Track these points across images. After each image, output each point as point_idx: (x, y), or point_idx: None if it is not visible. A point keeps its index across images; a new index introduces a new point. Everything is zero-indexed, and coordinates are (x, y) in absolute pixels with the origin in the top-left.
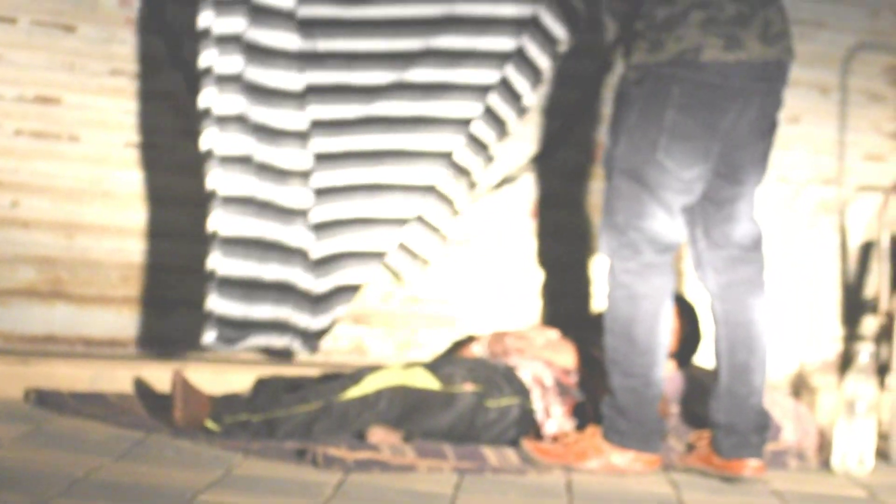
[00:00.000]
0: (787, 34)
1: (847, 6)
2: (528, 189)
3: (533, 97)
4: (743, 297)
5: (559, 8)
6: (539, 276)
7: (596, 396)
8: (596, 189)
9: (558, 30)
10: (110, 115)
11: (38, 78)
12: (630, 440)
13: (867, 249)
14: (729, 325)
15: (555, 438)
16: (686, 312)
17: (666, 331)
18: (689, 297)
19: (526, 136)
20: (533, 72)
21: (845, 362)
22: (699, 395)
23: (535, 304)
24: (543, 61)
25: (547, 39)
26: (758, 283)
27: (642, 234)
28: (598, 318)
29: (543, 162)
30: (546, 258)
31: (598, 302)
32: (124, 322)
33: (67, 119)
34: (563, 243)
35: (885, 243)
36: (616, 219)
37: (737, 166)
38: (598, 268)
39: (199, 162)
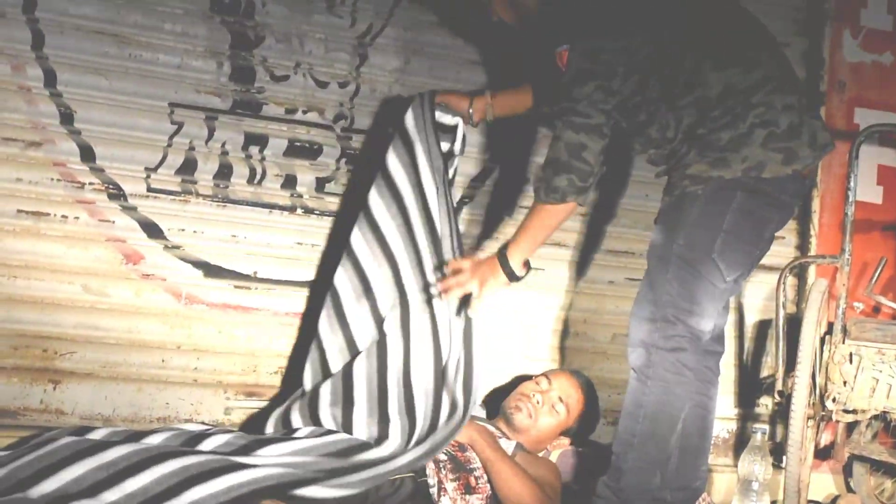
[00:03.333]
0: (825, 131)
1: None
2: None
3: None
4: (704, 385)
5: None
6: None
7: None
8: None
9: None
10: (1, 183)
11: None
12: None
13: (763, 328)
14: (689, 408)
15: None
16: (586, 390)
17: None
18: (586, 376)
19: None
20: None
21: (741, 441)
22: (596, 471)
23: None
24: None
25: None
26: (716, 373)
27: (689, 329)
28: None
29: None
30: None
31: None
32: (13, 392)
33: None
34: None
35: (781, 322)
36: (666, 311)
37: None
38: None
39: (90, 232)
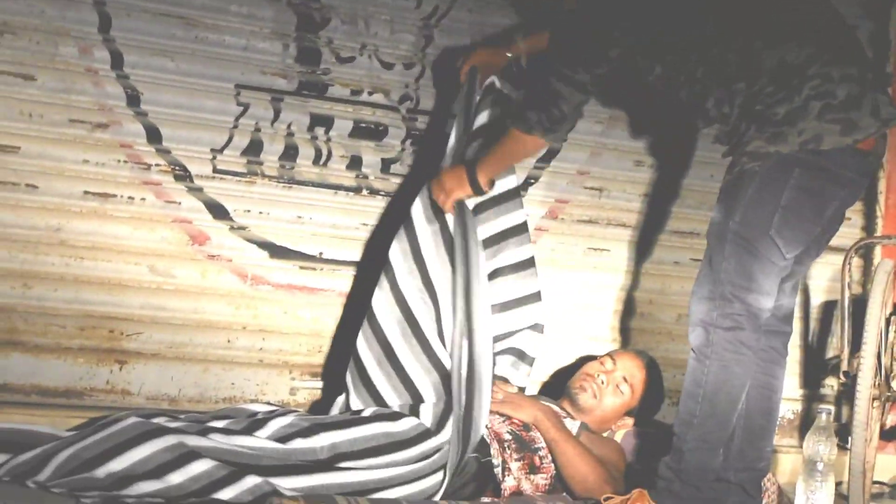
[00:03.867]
0: (891, 106)
1: None
2: None
3: None
4: (769, 365)
5: None
6: None
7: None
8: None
9: None
10: (68, 164)
11: None
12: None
13: (828, 309)
14: (752, 388)
15: (513, 493)
16: (651, 371)
17: (739, 411)
18: (651, 356)
19: None
20: None
21: (805, 422)
22: (658, 451)
23: None
24: None
25: None
26: (783, 354)
27: (747, 307)
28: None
29: None
30: None
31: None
32: (80, 372)
33: (25, 168)
34: None
35: (847, 303)
36: (724, 289)
37: (809, 248)
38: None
39: (156, 213)
